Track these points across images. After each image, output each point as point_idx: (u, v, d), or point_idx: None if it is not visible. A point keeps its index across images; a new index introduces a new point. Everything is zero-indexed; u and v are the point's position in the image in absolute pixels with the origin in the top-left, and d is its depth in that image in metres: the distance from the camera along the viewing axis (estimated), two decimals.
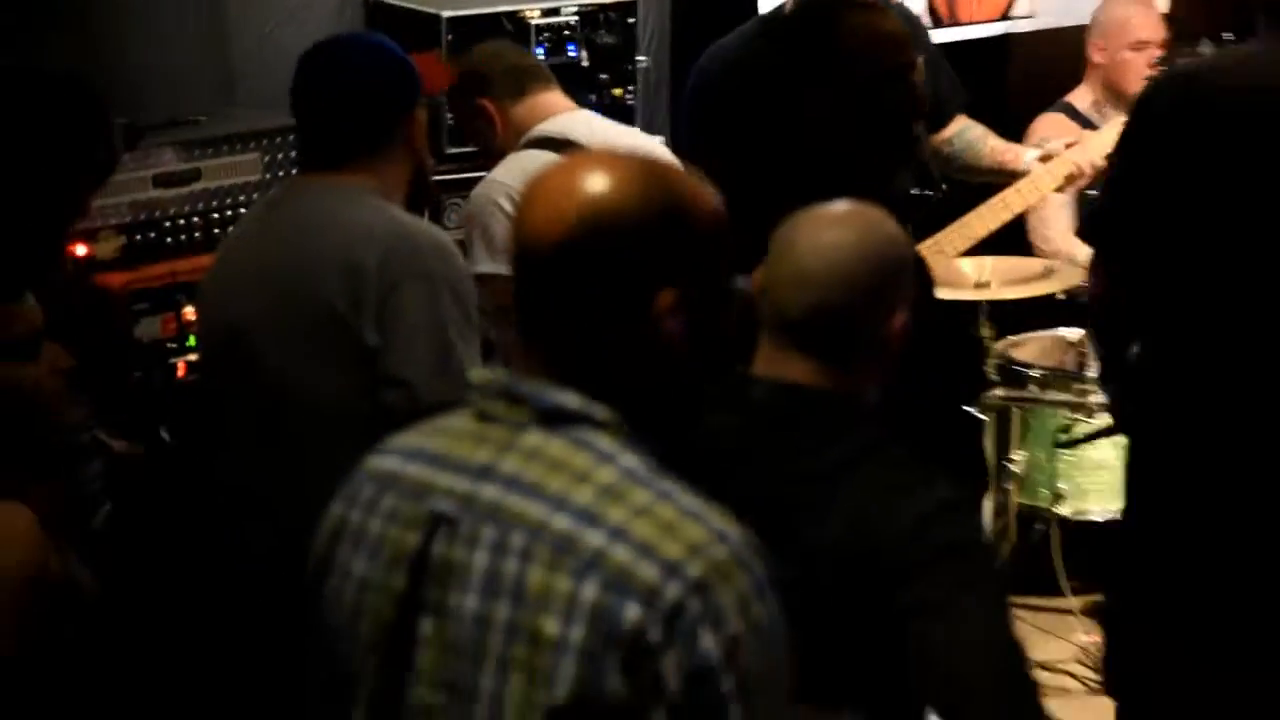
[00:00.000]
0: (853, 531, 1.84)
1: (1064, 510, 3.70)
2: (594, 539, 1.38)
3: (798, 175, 2.66)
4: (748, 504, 1.63)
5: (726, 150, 2.92)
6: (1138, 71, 3.88)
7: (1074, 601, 3.71)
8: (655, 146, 3.25)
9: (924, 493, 1.89)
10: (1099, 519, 3.66)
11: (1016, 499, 3.76)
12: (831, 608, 1.85)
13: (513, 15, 3.53)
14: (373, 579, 1.52)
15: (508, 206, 2.96)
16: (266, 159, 3.16)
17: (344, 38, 3.12)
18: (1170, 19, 3.47)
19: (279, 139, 3.12)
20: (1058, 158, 3.64)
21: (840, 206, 1.97)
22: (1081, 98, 4.22)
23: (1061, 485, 3.69)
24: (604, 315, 1.47)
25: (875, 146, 2.89)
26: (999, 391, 3.68)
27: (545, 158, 2.93)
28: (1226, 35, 2.87)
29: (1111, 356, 2.80)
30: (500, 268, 2.95)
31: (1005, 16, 4.80)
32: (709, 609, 1.35)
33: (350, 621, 1.54)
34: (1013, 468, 3.69)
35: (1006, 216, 3.69)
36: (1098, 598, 3.31)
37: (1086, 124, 4.16)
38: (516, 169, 3.03)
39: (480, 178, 3.34)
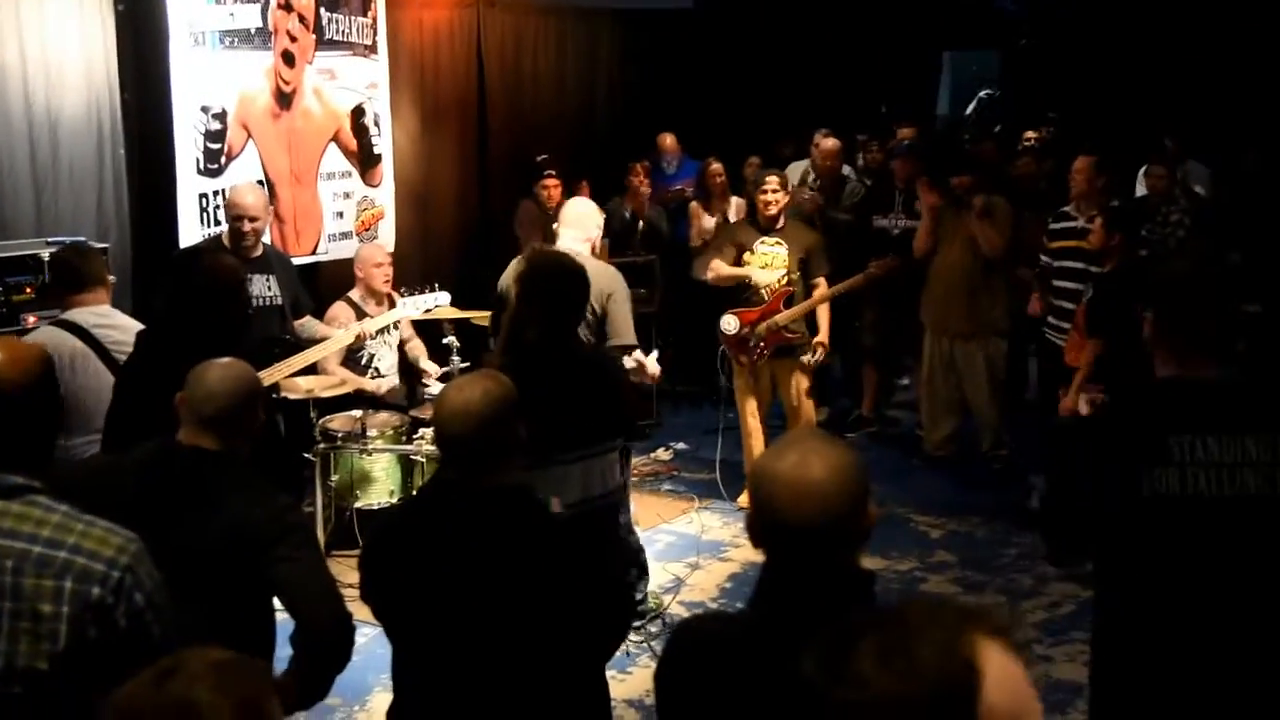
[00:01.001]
0: (239, 519, 2.66)
1: (358, 504, 5.85)
2: (62, 554, 1.98)
3: (185, 351, 3.26)
4: (173, 514, 2.57)
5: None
6: (375, 279, 6.33)
7: None
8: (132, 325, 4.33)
9: (275, 498, 2.78)
10: (376, 506, 5.81)
11: (334, 498, 5.81)
12: (225, 567, 2.66)
13: (33, 255, 5.20)
14: None
15: None
16: None
17: None
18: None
19: None
20: (347, 329, 5.98)
21: (224, 360, 2.87)
22: (354, 293, 6.45)
23: (357, 490, 5.84)
24: (31, 429, 2.16)
25: (209, 324, 3.75)
26: (321, 445, 5.75)
27: (57, 332, 4.20)
28: None
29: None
30: None
31: (314, 253, 7.01)
32: (136, 580, 2.02)
33: None
34: (331, 481, 5.75)
35: (321, 355, 5.79)
36: None
37: (359, 310, 6.39)
38: (37, 335, 4.33)
39: None
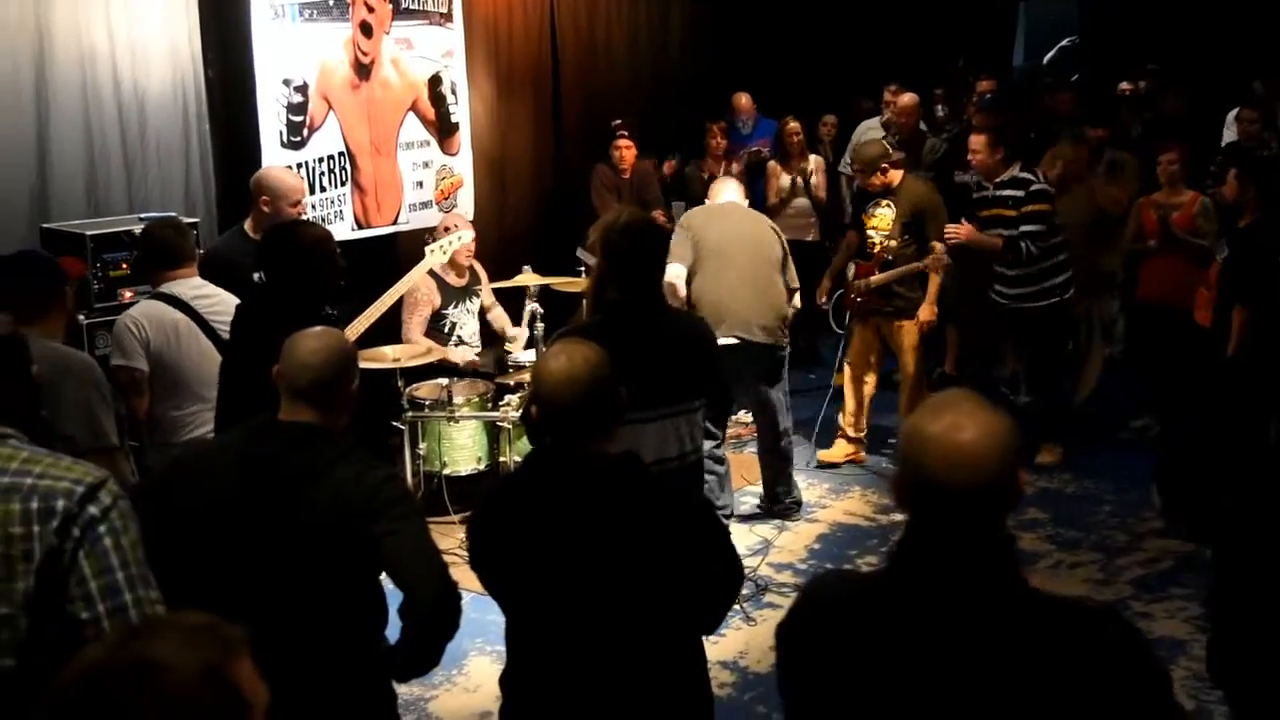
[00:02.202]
0: (343, 493, 2.66)
1: (446, 470, 5.94)
2: (28, 481, 2.21)
3: (280, 313, 3.62)
4: (279, 492, 2.62)
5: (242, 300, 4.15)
6: (459, 253, 6.11)
7: (455, 518, 5.60)
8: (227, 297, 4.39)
9: (376, 470, 2.74)
10: (464, 473, 5.96)
11: (423, 466, 5.90)
12: (333, 541, 2.67)
13: (128, 231, 5.25)
14: None
15: (133, 329, 4.28)
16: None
17: (25, 251, 4.33)
18: None
19: None
20: (405, 279, 5.56)
21: (317, 330, 2.83)
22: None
23: (445, 458, 5.92)
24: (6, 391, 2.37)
25: (314, 293, 3.88)
26: (408, 413, 5.85)
27: (159, 305, 4.31)
28: None
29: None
30: (123, 362, 4.30)
31: (395, 223, 7.06)
32: (94, 498, 2.20)
33: None
34: (420, 450, 5.83)
35: (383, 309, 5.33)
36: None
37: (440, 280, 6.33)
38: (141, 308, 4.39)
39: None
